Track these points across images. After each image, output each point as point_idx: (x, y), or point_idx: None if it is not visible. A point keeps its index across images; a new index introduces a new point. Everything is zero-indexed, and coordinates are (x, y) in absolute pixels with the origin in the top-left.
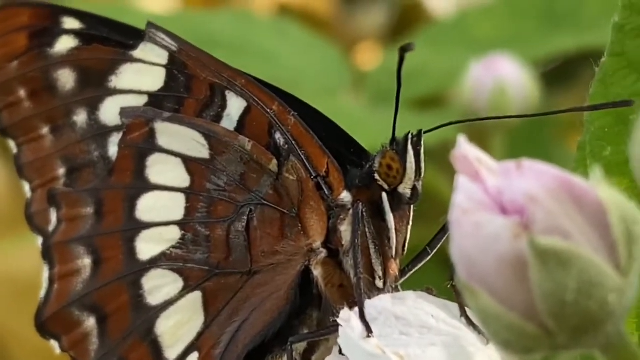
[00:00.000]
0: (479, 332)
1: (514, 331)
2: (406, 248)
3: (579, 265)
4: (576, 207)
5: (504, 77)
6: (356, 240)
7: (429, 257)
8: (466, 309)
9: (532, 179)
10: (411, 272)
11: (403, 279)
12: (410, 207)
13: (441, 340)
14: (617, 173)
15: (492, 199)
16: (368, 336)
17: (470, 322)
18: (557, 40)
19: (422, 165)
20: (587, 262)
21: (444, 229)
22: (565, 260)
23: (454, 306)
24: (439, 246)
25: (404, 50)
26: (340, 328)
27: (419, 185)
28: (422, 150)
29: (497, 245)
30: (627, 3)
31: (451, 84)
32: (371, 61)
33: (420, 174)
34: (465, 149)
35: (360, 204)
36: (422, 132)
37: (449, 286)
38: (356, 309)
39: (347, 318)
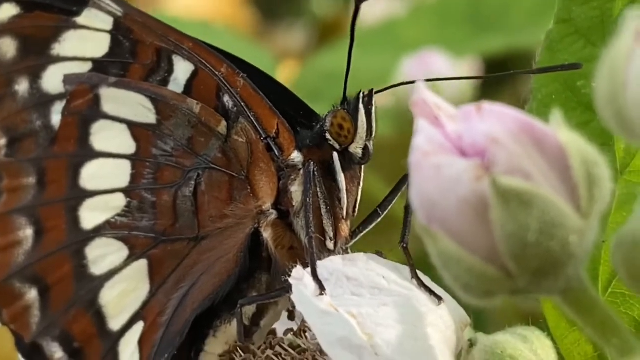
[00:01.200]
0: (430, 293)
1: (474, 274)
2: (356, 209)
3: (541, 205)
4: (537, 149)
5: (435, 71)
6: (308, 200)
7: (379, 219)
8: (417, 271)
9: (494, 121)
10: (362, 234)
11: (354, 241)
12: (361, 168)
13: (393, 301)
14: None
15: (452, 143)
16: (321, 294)
17: (421, 284)
18: (484, 43)
19: (374, 124)
20: (549, 203)
21: (394, 192)
22: (527, 201)
23: (405, 268)
24: (389, 208)
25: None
26: (293, 286)
27: (370, 145)
28: (374, 110)
29: (458, 187)
30: None
31: (381, 84)
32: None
33: (371, 134)
34: (424, 94)
35: (312, 163)
36: (374, 91)
37: (399, 248)
38: (308, 268)
39: (300, 276)
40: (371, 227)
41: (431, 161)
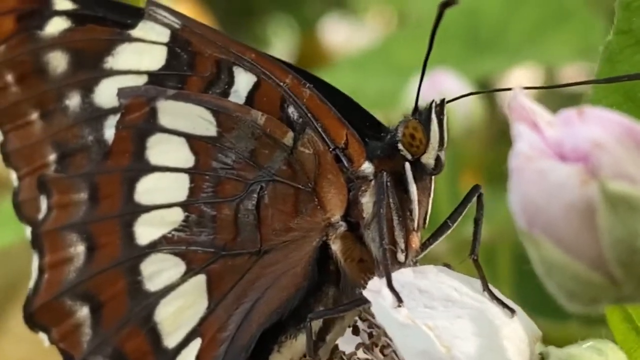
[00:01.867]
0: (503, 305)
1: (579, 281)
2: (427, 221)
3: None
4: None
5: (447, 91)
6: (381, 211)
7: (449, 231)
8: (488, 283)
9: (597, 125)
10: (432, 246)
11: (424, 253)
12: (431, 179)
13: (467, 313)
14: None
15: (551, 148)
16: (399, 306)
17: (493, 296)
18: (482, 64)
19: (445, 134)
20: None
21: (464, 203)
22: (636, 206)
23: (474, 281)
24: (459, 220)
25: (445, 6)
26: (371, 297)
27: (443, 155)
28: (446, 119)
29: (564, 192)
30: None
31: (386, 105)
32: None
33: (443, 144)
34: (522, 100)
35: (385, 173)
36: (445, 101)
37: (470, 261)
38: (384, 279)
39: (377, 288)
40: (441, 239)
41: (535, 166)
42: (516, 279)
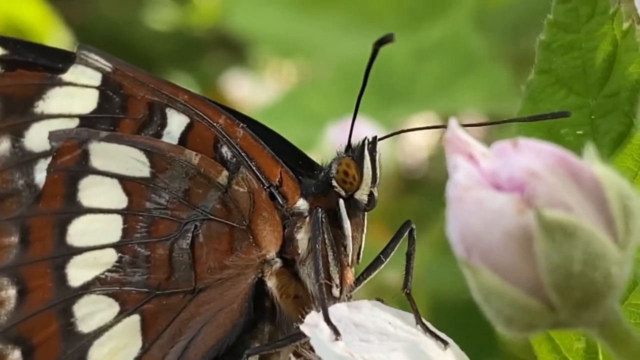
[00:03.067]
0: (436, 338)
1: (517, 307)
2: (360, 256)
3: (585, 237)
4: (574, 183)
5: (361, 137)
6: (317, 246)
7: (383, 265)
8: (421, 317)
9: (531, 155)
10: (365, 281)
11: (358, 288)
12: (364, 215)
13: (402, 346)
14: None
15: (486, 179)
16: (336, 339)
17: (426, 329)
18: (391, 112)
19: (378, 171)
20: (591, 235)
21: (396, 238)
22: (571, 233)
23: (408, 315)
24: (392, 254)
25: (380, 44)
26: (310, 331)
27: (375, 192)
28: (378, 157)
29: (501, 221)
30: (552, 21)
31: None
32: None
33: (376, 180)
34: (457, 132)
35: (320, 209)
36: (377, 138)
37: (403, 294)
38: (320, 313)
39: (315, 322)
40: (375, 273)
41: (473, 195)
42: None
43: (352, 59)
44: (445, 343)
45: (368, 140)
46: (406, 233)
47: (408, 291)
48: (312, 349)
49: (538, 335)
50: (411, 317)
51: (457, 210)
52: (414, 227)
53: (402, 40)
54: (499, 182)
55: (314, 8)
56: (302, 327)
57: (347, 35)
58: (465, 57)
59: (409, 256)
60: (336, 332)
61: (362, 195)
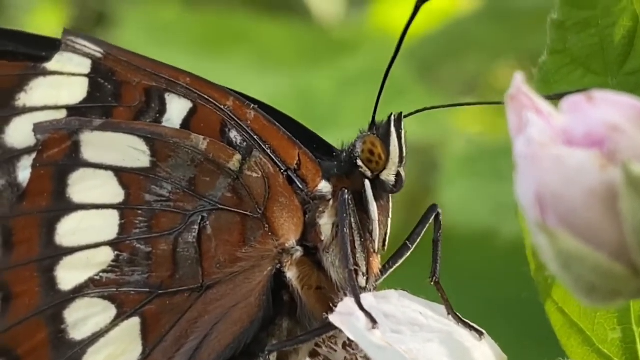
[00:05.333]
0: (471, 328)
1: (600, 273)
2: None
3: None
4: None
5: None
6: (344, 230)
7: (409, 253)
8: (452, 307)
9: (610, 108)
10: (392, 269)
11: (384, 277)
12: (389, 198)
13: (436, 337)
14: None
15: (559, 136)
16: (373, 327)
17: (459, 319)
18: None
19: (405, 149)
20: None
21: (423, 222)
22: None
23: (436, 305)
24: (418, 240)
25: (423, 1)
26: (345, 320)
27: (403, 172)
28: (404, 134)
29: (583, 178)
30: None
31: None
32: None
33: (403, 159)
34: (523, 88)
35: (346, 190)
36: (403, 115)
37: (431, 283)
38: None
39: (350, 310)
40: (401, 261)
41: (550, 152)
42: None
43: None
44: (480, 333)
45: (394, 116)
46: (432, 218)
47: (437, 279)
48: (336, 343)
49: (566, 328)
50: (440, 307)
51: (531, 169)
52: (440, 211)
53: (321, 72)
54: (573, 139)
55: (214, 49)
56: (333, 317)
57: (247, 76)
58: (390, 84)
59: (436, 243)
60: (373, 321)
61: (388, 176)
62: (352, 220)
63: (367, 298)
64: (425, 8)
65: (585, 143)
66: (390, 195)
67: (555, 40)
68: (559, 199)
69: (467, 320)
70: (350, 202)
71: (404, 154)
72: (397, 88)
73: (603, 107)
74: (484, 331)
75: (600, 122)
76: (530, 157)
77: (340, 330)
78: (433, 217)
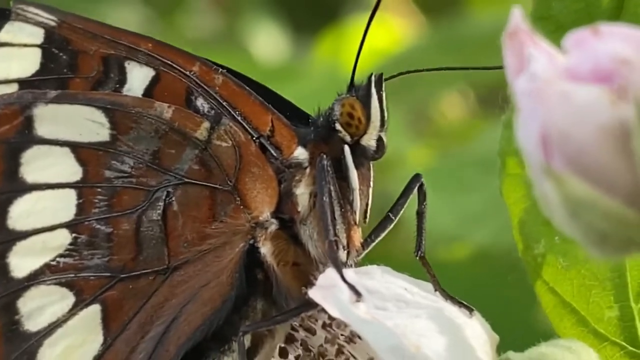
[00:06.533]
0: (460, 305)
1: (612, 220)
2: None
3: None
4: None
5: None
6: (324, 198)
7: (392, 225)
8: (439, 282)
9: (618, 41)
10: (374, 243)
11: (366, 251)
12: (370, 165)
13: (425, 313)
14: None
15: (564, 73)
16: (357, 300)
17: (448, 296)
18: None
19: (386, 112)
20: None
21: (405, 193)
22: None
23: (420, 282)
24: (401, 212)
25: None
26: (328, 292)
27: (384, 136)
28: (384, 97)
29: (593, 115)
30: None
31: None
32: None
33: (384, 123)
34: (522, 24)
35: (325, 155)
36: (383, 76)
37: (416, 258)
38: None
39: (332, 282)
40: (384, 234)
41: (557, 88)
42: None
43: None
44: (470, 310)
45: (375, 76)
46: (415, 188)
47: (422, 254)
48: (315, 324)
49: (558, 308)
50: (426, 284)
51: (536, 107)
52: (424, 181)
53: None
54: (579, 75)
55: None
56: (313, 292)
57: None
58: None
59: (420, 215)
60: (357, 293)
61: (369, 141)
62: (332, 188)
63: (348, 273)
64: (367, 45)
65: (592, 79)
66: (371, 162)
67: (539, 6)
68: (567, 139)
69: (455, 297)
70: (329, 168)
71: (386, 117)
72: None
73: (611, 41)
74: (473, 308)
75: (609, 56)
76: (535, 94)
77: (320, 309)
78: (417, 187)
